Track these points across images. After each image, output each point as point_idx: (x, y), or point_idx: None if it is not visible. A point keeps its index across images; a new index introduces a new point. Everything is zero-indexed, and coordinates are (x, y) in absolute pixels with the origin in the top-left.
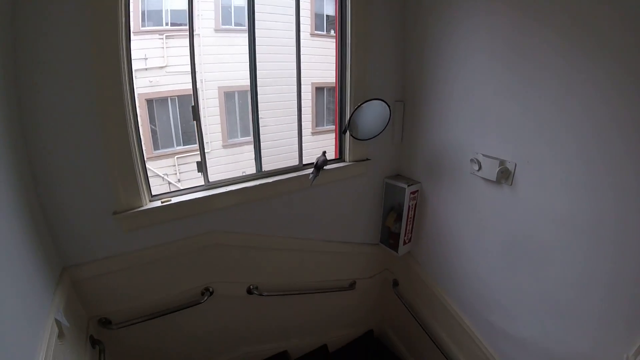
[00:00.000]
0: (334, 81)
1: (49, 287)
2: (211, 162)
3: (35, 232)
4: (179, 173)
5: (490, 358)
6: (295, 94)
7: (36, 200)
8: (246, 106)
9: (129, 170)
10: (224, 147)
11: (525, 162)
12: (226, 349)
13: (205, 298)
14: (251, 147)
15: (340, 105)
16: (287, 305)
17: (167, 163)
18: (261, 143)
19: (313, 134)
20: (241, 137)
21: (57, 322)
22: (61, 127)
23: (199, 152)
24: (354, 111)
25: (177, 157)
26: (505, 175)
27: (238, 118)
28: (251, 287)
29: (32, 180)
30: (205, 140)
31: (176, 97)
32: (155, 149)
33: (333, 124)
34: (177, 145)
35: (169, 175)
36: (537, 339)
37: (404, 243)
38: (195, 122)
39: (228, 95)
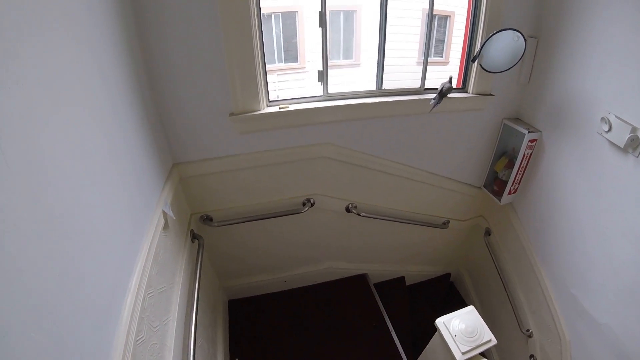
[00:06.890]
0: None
1: (159, 181)
2: (312, 82)
3: (150, 129)
4: (278, 90)
5: (560, 334)
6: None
7: (151, 100)
8: (350, 27)
9: (250, 74)
10: None
11: None
12: (313, 260)
13: (306, 208)
14: (351, 70)
15: (471, 33)
16: (378, 230)
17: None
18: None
19: (418, 63)
20: (343, 59)
21: (164, 213)
22: (183, 27)
23: (321, 62)
24: (486, 40)
25: (278, 74)
26: (634, 145)
27: (342, 38)
28: (350, 205)
29: (148, 80)
30: (306, 59)
31: (280, 14)
32: None
33: (440, 56)
34: (278, 62)
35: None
36: (614, 330)
37: (509, 193)
38: (321, 28)
39: (333, 14)
